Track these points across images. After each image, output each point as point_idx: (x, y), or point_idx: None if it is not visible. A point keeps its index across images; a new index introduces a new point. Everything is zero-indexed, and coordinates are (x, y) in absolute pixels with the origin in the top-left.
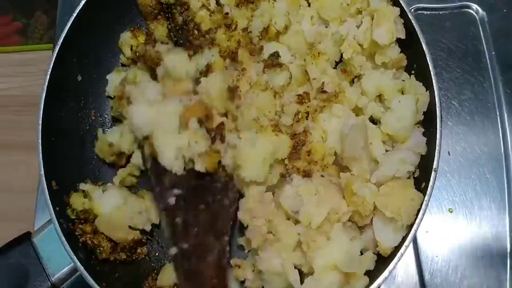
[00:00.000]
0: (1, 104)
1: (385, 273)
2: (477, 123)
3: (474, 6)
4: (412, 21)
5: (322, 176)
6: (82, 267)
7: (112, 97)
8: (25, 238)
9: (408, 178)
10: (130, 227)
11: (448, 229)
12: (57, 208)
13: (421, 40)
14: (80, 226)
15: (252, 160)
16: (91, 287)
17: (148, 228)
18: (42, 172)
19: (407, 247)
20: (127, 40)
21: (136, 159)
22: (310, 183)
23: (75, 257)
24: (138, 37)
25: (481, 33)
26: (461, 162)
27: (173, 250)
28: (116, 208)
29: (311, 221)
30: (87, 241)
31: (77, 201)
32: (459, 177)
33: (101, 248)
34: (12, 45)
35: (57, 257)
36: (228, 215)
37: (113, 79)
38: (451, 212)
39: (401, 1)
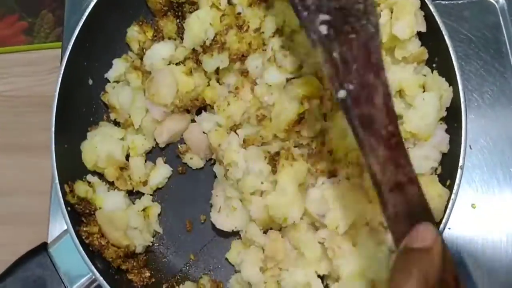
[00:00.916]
0: (8, 104)
1: None
2: (499, 115)
3: None
4: (434, 14)
5: (348, 178)
6: (101, 277)
7: (111, 81)
8: (42, 249)
9: (431, 174)
10: None
11: (471, 225)
12: (73, 217)
13: (443, 32)
14: (85, 229)
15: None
16: None
17: (139, 248)
18: (57, 181)
19: None
20: (135, 36)
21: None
22: (336, 186)
23: (93, 266)
24: (146, 32)
25: (502, 22)
26: (484, 156)
27: (342, 93)
28: (118, 209)
29: (338, 226)
30: (94, 241)
31: (81, 188)
32: (481, 171)
33: (109, 250)
34: (18, 45)
35: (75, 267)
36: (377, 45)
37: (118, 66)
38: (474, 207)
39: None
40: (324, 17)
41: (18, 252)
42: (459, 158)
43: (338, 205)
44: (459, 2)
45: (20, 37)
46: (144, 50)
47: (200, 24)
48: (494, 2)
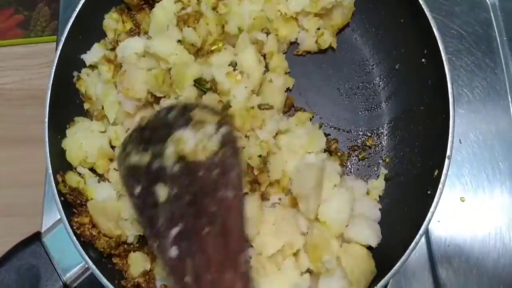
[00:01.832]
0: (4, 97)
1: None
2: (489, 111)
3: None
4: (424, 8)
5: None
6: (94, 266)
7: (86, 64)
8: (35, 238)
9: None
10: None
11: (460, 219)
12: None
13: (432, 26)
14: (76, 219)
15: None
16: (104, 286)
17: (130, 238)
18: (50, 171)
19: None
20: (111, 24)
21: None
22: (269, 212)
23: (86, 255)
24: (125, 23)
25: (493, 19)
26: (473, 151)
27: None
28: (110, 199)
29: (263, 251)
30: (85, 232)
31: (72, 178)
32: (470, 165)
33: (100, 241)
34: (14, 38)
35: (68, 256)
36: (239, 221)
37: (96, 51)
38: (463, 201)
39: None
40: (175, 230)
41: (12, 243)
42: (446, 148)
43: (268, 230)
44: None
45: (16, 30)
46: (119, 42)
47: (164, 13)
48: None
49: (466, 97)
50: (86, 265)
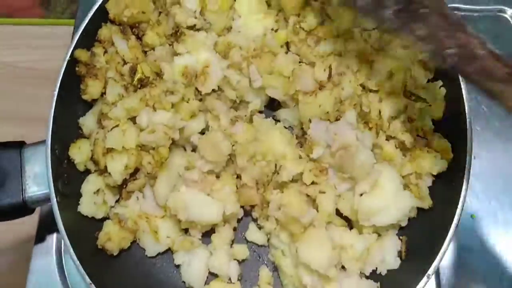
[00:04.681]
0: (17, 75)
1: None
2: (506, 129)
3: (510, 10)
4: None
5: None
6: (55, 197)
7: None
8: (17, 145)
9: None
10: None
11: (471, 235)
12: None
13: None
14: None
15: None
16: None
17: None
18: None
19: None
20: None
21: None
22: None
23: (52, 185)
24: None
25: None
26: (487, 169)
27: (450, 60)
28: None
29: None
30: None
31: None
32: (483, 183)
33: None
34: (34, 17)
35: (40, 177)
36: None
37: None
38: (473, 218)
39: None
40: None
41: None
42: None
43: None
44: (474, 14)
45: (36, 9)
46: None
47: None
48: (509, 18)
49: (484, 114)
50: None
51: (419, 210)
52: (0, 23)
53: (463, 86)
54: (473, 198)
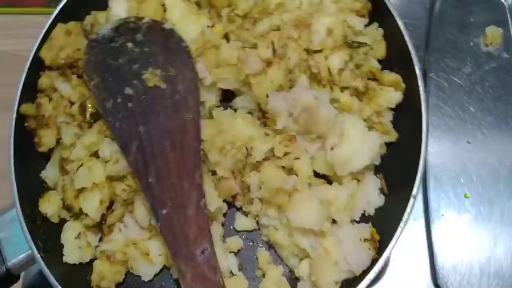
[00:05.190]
0: (19, 63)
1: None
2: (500, 111)
3: None
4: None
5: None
6: (38, 255)
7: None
8: None
9: None
10: None
11: (464, 214)
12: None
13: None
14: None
15: None
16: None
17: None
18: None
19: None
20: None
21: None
22: None
23: (33, 243)
24: None
25: (509, 21)
26: (481, 150)
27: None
28: None
29: None
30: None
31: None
32: (477, 164)
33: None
34: (36, 6)
35: (16, 242)
36: (194, 132)
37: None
38: (467, 197)
39: None
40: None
41: None
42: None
43: None
44: None
45: None
46: None
47: None
48: (502, 0)
49: (478, 96)
50: (32, 254)
51: (388, 145)
52: (3, 12)
53: (398, 20)
54: (467, 179)
